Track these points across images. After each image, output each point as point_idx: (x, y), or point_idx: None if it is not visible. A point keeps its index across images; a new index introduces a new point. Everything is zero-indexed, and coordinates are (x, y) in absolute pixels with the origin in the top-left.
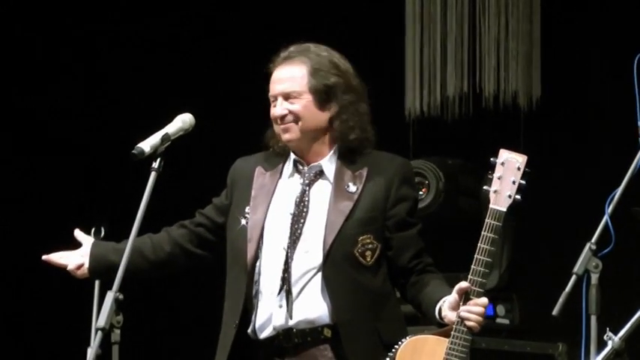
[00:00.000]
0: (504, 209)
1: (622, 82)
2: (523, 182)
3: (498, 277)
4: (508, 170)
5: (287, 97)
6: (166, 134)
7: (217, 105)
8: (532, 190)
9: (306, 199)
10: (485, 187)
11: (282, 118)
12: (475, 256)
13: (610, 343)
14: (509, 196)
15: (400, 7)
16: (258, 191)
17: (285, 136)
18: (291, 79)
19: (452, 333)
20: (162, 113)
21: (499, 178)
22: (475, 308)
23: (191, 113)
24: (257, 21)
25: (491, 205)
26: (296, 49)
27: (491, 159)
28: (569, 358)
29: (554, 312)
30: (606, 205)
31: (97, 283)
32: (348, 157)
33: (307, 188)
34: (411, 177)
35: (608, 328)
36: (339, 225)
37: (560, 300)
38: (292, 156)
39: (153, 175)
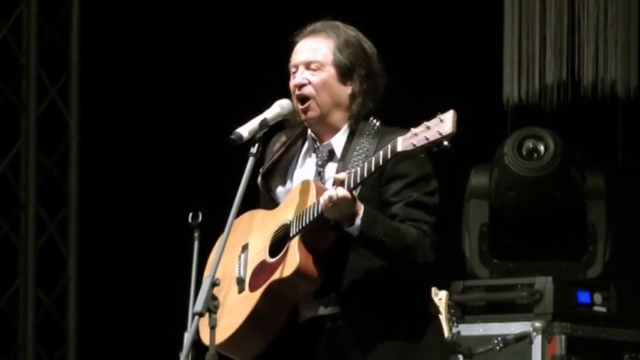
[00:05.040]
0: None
1: None
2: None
3: (602, 266)
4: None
5: (308, 65)
6: (264, 120)
7: None
8: (630, 179)
9: (323, 181)
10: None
11: (300, 87)
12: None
13: None
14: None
15: None
16: (278, 159)
17: (305, 116)
18: (314, 50)
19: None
20: (260, 98)
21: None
22: (328, 192)
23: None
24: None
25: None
26: (324, 24)
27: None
28: None
29: None
30: None
31: (193, 268)
32: (357, 135)
33: (321, 170)
34: (414, 153)
35: None
36: None
37: None
38: (309, 131)
39: (251, 160)
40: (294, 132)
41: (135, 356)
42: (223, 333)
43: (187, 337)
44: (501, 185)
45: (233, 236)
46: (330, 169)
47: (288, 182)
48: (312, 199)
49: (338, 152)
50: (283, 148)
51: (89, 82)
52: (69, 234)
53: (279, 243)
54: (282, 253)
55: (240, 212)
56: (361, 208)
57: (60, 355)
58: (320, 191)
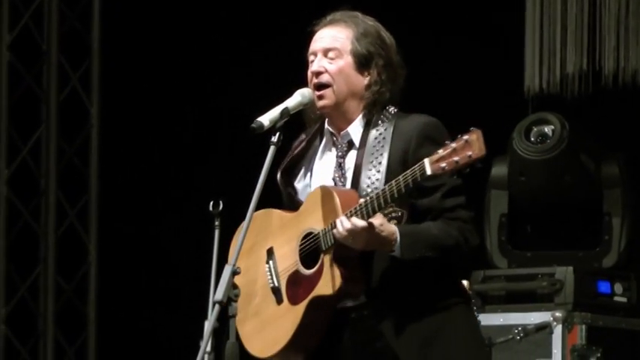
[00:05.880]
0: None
1: None
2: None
3: (617, 255)
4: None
5: (326, 53)
6: (286, 108)
7: None
8: None
9: (344, 171)
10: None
11: (318, 74)
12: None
13: None
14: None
15: None
16: (297, 155)
17: (320, 103)
18: (333, 38)
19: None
20: (281, 87)
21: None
22: (344, 223)
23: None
24: None
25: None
26: (344, 14)
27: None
28: None
29: None
30: None
31: (214, 256)
32: (373, 122)
33: (342, 160)
34: (435, 135)
35: None
36: (358, 197)
37: None
38: (326, 125)
39: (272, 149)
40: (312, 129)
41: (155, 344)
42: (273, 345)
43: (208, 326)
44: (512, 171)
45: (251, 233)
46: (351, 158)
47: (308, 176)
48: (336, 209)
49: (356, 141)
50: (303, 144)
51: (110, 70)
52: (89, 221)
53: (310, 253)
54: (317, 267)
55: (260, 201)
56: (397, 233)
57: (80, 343)
58: (344, 200)
